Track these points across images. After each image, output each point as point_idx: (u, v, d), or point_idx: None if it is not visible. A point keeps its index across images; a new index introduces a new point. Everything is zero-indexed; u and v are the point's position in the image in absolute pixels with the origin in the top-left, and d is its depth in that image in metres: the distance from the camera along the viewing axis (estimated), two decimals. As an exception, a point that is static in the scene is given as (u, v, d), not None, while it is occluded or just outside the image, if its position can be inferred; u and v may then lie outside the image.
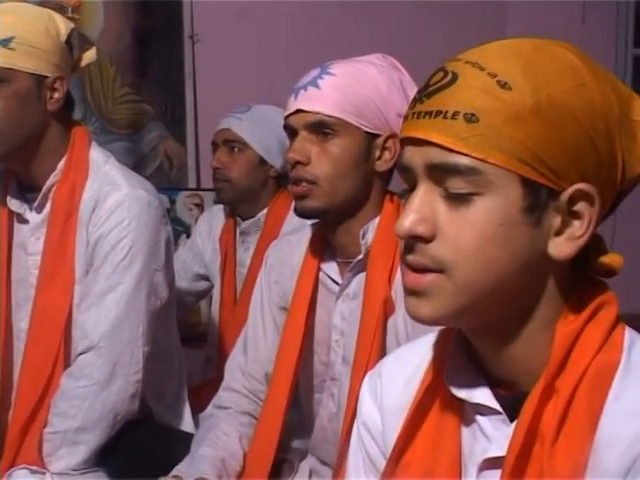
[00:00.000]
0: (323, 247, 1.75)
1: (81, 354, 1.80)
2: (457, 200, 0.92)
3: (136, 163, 3.56)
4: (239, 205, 2.60)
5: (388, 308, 1.64)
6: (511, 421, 0.99)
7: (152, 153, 3.67)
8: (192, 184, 3.72)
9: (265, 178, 2.56)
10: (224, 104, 3.75)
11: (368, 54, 1.73)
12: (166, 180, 3.65)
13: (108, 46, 3.56)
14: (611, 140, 0.94)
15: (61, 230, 1.83)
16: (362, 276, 1.69)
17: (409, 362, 1.14)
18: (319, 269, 1.75)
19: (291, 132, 1.68)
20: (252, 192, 2.55)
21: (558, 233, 0.93)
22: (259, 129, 2.54)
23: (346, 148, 1.64)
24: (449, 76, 0.93)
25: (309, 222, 2.40)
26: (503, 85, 0.90)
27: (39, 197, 1.86)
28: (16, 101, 1.79)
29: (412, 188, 0.96)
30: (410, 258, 0.95)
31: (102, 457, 1.83)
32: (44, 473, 1.77)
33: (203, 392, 2.30)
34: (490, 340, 1.00)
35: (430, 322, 0.98)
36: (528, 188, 0.91)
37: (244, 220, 2.60)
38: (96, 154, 1.92)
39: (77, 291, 1.83)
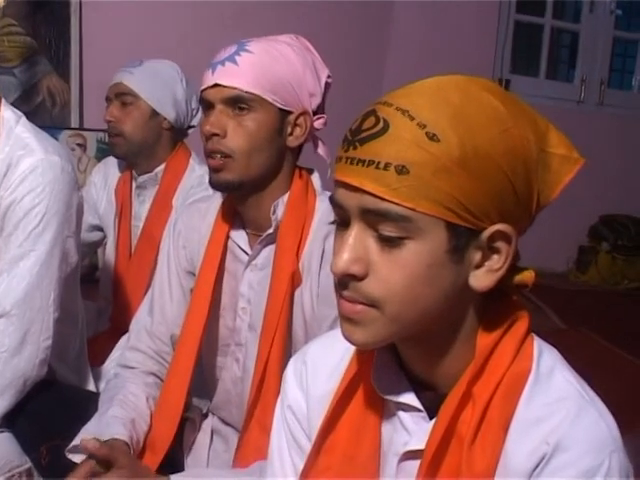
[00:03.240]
0: (233, 217, 1.80)
1: None
2: (388, 242, 0.99)
3: (18, 99, 3.48)
4: (134, 159, 2.59)
5: (295, 280, 1.71)
6: (430, 418, 1.09)
7: (34, 89, 3.59)
8: (75, 124, 3.67)
9: (159, 131, 2.57)
10: (110, 42, 3.73)
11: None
12: (48, 118, 3.59)
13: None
14: (529, 179, 1.02)
15: None
16: (271, 248, 1.75)
17: (334, 351, 1.21)
18: (228, 237, 1.80)
19: (207, 105, 1.71)
20: (146, 145, 2.56)
21: (478, 266, 1.02)
22: (151, 82, 2.54)
23: (261, 123, 1.69)
24: (380, 124, 0.99)
25: (205, 180, 2.45)
26: (432, 137, 0.96)
27: None
28: None
29: (344, 223, 1.03)
30: (345, 294, 1.02)
31: (8, 419, 1.84)
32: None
33: (97, 344, 2.34)
34: (415, 349, 1.09)
35: (364, 346, 1.08)
36: (452, 231, 0.98)
37: (140, 174, 2.61)
38: (7, 113, 1.88)
39: None
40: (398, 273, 0.99)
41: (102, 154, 3.63)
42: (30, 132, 1.88)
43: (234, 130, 1.68)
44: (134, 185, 2.63)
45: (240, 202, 1.76)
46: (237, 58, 1.67)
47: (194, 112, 2.64)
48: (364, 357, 1.15)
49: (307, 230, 1.74)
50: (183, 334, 1.81)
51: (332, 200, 1.04)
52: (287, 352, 1.72)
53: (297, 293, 1.73)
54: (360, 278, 1.00)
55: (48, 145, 1.87)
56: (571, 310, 4.20)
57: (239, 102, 1.67)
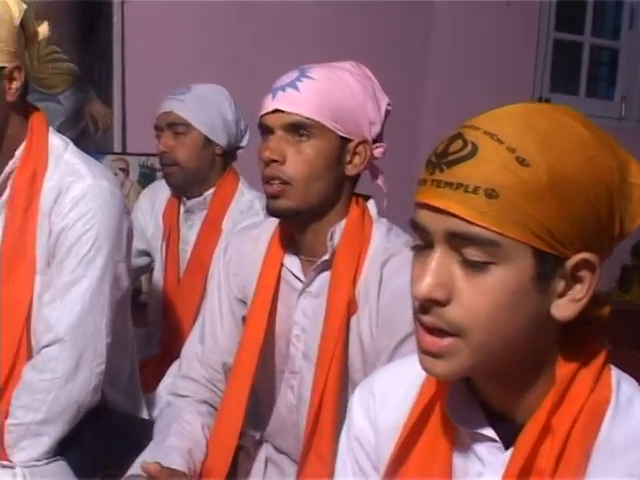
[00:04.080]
0: (286, 243, 1.79)
1: (45, 347, 1.79)
2: (473, 267, 0.97)
3: (62, 125, 3.50)
4: (188, 186, 2.60)
5: (352, 308, 1.69)
6: (505, 449, 1.07)
7: (78, 115, 3.62)
8: (118, 148, 3.69)
9: (212, 157, 2.57)
10: (152, 67, 3.75)
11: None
12: (92, 143, 3.61)
13: (35, 3, 3.47)
14: (611, 207, 1.00)
15: (21, 219, 1.81)
16: (326, 275, 1.73)
17: (402, 381, 1.20)
18: (282, 265, 1.79)
19: (266, 130, 1.71)
20: (201, 173, 2.56)
21: (561, 295, 1.00)
22: (202, 109, 2.54)
23: (321, 150, 1.68)
24: (469, 147, 0.98)
25: (257, 206, 2.45)
26: (522, 162, 0.95)
27: None
28: None
29: (426, 246, 1.01)
30: (426, 319, 1.00)
31: (61, 446, 1.84)
32: (14, 468, 1.77)
33: (146, 369, 2.34)
34: (492, 381, 1.07)
35: (445, 379, 1.06)
36: (539, 258, 0.97)
37: (190, 199, 2.61)
38: (56, 140, 1.89)
39: (38, 282, 1.82)
40: (483, 299, 0.97)
41: (144, 178, 3.64)
42: (78, 158, 1.88)
43: (293, 157, 1.67)
44: (182, 209, 2.64)
45: (296, 229, 1.76)
46: (298, 84, 1.67)
47: (243, 133, 2.63)
48: (436, 387, 1.13)
49: (363, 257, 1.72)
50: (237, 363, 1.80)
51: (414, 223, 1.02)
52: (344, 382, 1.71)
53: (353, 321, 1.71)
54: (443, 304, 0.99)
55: (97, 170, 1.88)
56: (614, 329, 4.15)
57: (299, 128, 1.66)
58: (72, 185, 1.82)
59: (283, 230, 1.80)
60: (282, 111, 1.67)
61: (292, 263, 1.78)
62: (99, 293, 1.82)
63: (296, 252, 1.79)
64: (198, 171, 2.56)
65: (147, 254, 2.70)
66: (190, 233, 2.60)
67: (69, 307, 1.79)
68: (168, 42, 3.79)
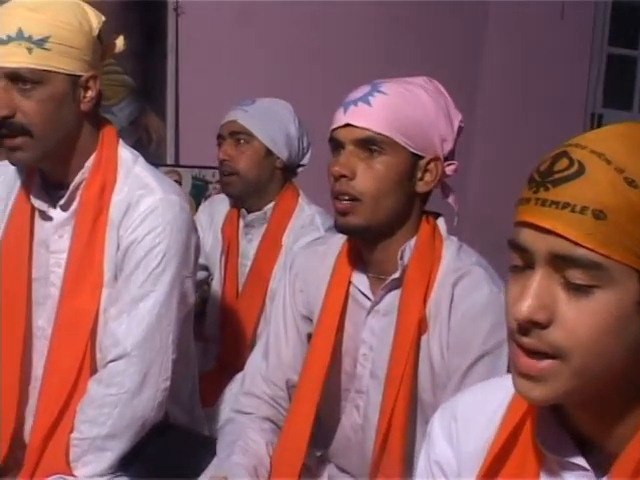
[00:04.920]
0: (355, 260, 1.77)
1: (112, 361, 1.78)
2: (576, 290, 0.95)
3: (116, 136, 3.50)
4: (246, 198, 2.59)
5: (422, 327, 1.67)
6: (597, 478, 1.04)
7: (131, 126, 3.62)
8: (170, 160, 3.69)
9: (272, 170, 2.57)
10: (206, 79, 3.75)
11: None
12: (145, 155, 3.58)
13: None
14: None
15: (89, 230, 1.80)
16: (395, 294, 1.72)
17: (487, 405, 1.18)
18: (349, 282, 1.77)
19: (337, 145, 1.69)
20: (260, 184, 2.56)
21: None
22: (265, 121, 2.54)
23: (391, 166, 1.66)
24: (575, 166, 0.95)
25: (318, 221, 2.44)
26: (630, 183, 0.93)
27: (66, 195, 1.82)
28: (52, 103, 1.73)
29: (524, 267, 0.99)
30: (525, 341, 0.97)
31: (124, 462, 1.82)
32: (76, 483, 1.76)
33: (204, 384, 2.32)
34: (586, 408, 1.03)
35: (542, 403, 1.02)
36: None
37: (250, 212, 2.60)
38: (125, 153, 1.88)
39: (104, 295, 1.81)
40: (585, 323, 0.94)
41: (197, 191, 3.64)
42: (148, 171, 1.88)
43: (364, 172, 1.65)
44: (242, 223, 2.63)
45: (365, 246, 1.74)
46: (370, 99, 1.65)
47: (305, 150, 2.63)
48: (523, 412, 1.10)
49: (434, 276, 1.70)
50: (303, 380, 1.78)
51: (514, 243, 0.99)
52: (413, 402, 1.69)
53: (423, 341, 1.68)
54: (544, 326, 0.96)
55: (166, 184, 1.87)
56: None
57: (370, 144, 1.65)
58: (142, 199, 1.81)
59: (351, 247, 1.78)
60: (353, 126, 1.65)
61: (360, 281, 1.77)
62: (167, 309, 1.80)
63: (364, 269, 1.77)
64: (257, 182, 2.55)
65: (205, 268, 2.69)
66: (249, 247, 2.59)
67: (137, 322, 1.78)
68: (222, 55, 3.78)
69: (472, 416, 1.19)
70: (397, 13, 4.19)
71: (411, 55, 4.20)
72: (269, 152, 2.55)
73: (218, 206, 2.71)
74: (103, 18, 1.84)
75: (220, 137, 2.59)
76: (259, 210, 2.59)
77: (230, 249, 2.59)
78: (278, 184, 2.59)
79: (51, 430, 1.78)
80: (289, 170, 2.62)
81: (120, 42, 1.92)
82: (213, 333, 2.60)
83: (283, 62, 3.91)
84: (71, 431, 1.78)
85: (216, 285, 2.64)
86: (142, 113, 3.64)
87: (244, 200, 2.61)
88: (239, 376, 2.28)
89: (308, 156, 2.64)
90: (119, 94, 3.58)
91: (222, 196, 2.71)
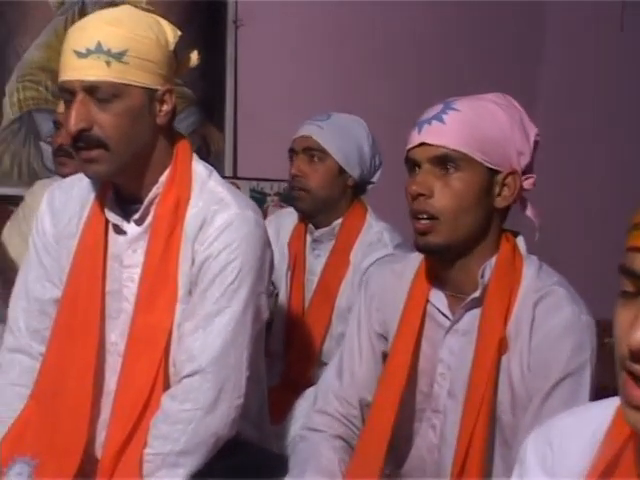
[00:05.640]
0: (432, 279, 1.76)
1: (186, 377, 1.76)
2: None
3: (175, 148, 3.51)
4: (316, 214, 2.58)
5: (502, 347, 1.65)
6: None
7: (190, 138, 3.61)
8: (229, 172, 3.69)
9: (343, 188, 2.56)
10: (264, 91, 3.76)
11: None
12: (203, 167, 3.61)
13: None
14: None
15: (164, 245, 1.79)
16: (475, 313, 1.70)
17: (583, 431, 1.15)
18: (427, 300, 1.75)
19: (413, 164, 1.69)
20: (330, 201, 2.55)
21: None
22: (340, 139, 2.53)
23: (469, 183, 1.65)
24: None
25: (386, 237, 2.42)
26: None
27: (141, 209, 1.82)
28: (128, 117, 1.73)
29: (637, 293, 0.96)
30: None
31: (195, 479, 1.81)
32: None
33: (269, 400, 2.30)
34: None
35: None
36: None
37: (317, 228, 2.59)
38: (199, 168, 1.87)
39: (179, 310, 1.79)
40: None
41: (255, 203, 3.64)
42: (223, 186, 1.87)
43: (441, 190, 1.65)
44: (309, 239, 2.62)
45: (444, 265, 1.72)
46: (444, 116, 1.65)
47: (376, 168, 2.61)
48: (625, 439, 1.07)
49: (515, 295, 1.68)
50: (379, 400, 1.77)
51: (627, 268, 0.96)
52: (492, 423, 1.66)
53: (503, 361, 1.66)
54: None
55: (241, 199, 1.87)
56: None
57: (446, 161, 1.64)
58: (217, 214, 1.80)
59: (428, 265, 1.77)
60: (428, 144, 1.65)
61: (438, 299, 1.75)
62: (241, 325, 1.79)
63: (442, 288, 1.75)
64: (328, 200, 2.54)
65: (271, 283, 2.68)
66: (316, 263, 2.58)
67: (212, 338, 1.77)
68: (281, 67, 3.78)
69: (568, 442, 1.16)
70: (455, 30, 4.17)
71: (467, 69, 4.18)
72: (342, 170, 2.54)
73: (285, 220, 2.69)
74: (179, 32, 1.84)
75: (293, 151, 2.57)
76: (327, 226, 2.58)
77: (297, 264, 2.58)
78: (347, 201, 2.58)
79: (124, 445, 1.77)
80: (359, 187, 2.60)
81: (194, 56, 1.91)
82: (278, 349, 2.58)
83: (343, 74, 3.91)
84: (144, 446, 1.77)
85: (282, 300, 2.63)
86: (201, 125, 3.65)
87: (313, 216, 2.60)
88: (308, 392, 2.28)
89: (378, 174, 2.62)
90: (178, 106, 3.56)
91: (289, 210, 2.70)
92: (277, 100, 3.77)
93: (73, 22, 3.43)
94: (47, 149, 3.44)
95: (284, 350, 2.54)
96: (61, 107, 2.76)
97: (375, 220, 2.56)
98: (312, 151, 2.53)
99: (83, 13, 3.51)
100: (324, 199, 2.54)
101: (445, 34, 4.16)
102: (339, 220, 2.56)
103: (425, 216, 1.65)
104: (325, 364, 2.45)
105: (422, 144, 1.65)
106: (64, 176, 2.71)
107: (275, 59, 3.76)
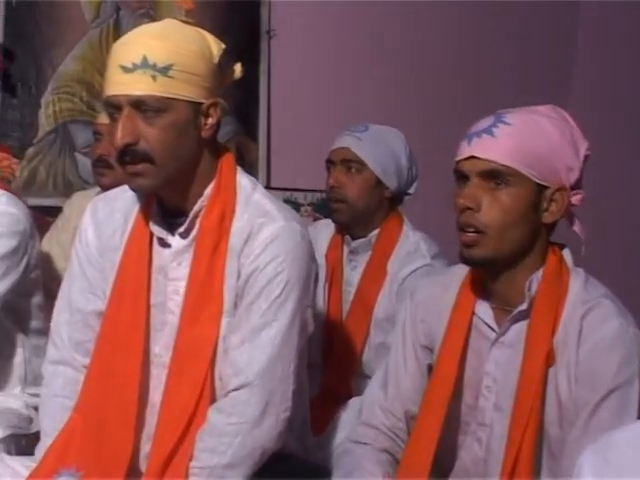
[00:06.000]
0: (478, 291, 1.76)
1: (233, 390, 1.77)
2: None
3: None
4: (353, 225, 2.58)
5: (550, 359, 1.65)
6: None
7: (224, 149, 3.64)
8: (262, 182, 3.68)
9: (380, 199, 2.56)
10: (298, 101, 3.76)
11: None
12: (237, 177, 3.62)
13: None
14: None
15: (209, 258, 1.80)
16: (521, 325, 1.70)
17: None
18: (473, 313, 1.75)
19: (461, 177, 1.69)
20: (367, 213, 2.55)
21: None
22: (377, 150, 2.53)
23: (517, 198, 1.65)
24: None
25: (423, 247, 2.42)
26: None
27: (186, 222, 1.82)
28: (174, 131, 1.74)
29: None
30: None
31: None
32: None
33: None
34: None
35: None
36: None
37: (354, 239, 2.59)
38: (244, 180, 1.88)
39: (224, 323, 1.80)
40: None
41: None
42: (268, 199, 1.87)
43: (489, 205, 1.65)
44: (346, 250, 2.62)
45: (490, 277, 1.72)
46: (495, 130, 1.65)
47: (413, 179, 2.62)
48: None
49: (562, 307, 1.68)
50: (424, 412, 1.77)
51: None
52: (540, 436, 1.65)
53: (550, 373, 1.66)
54: None
55: (287, 212, 1.87)
56: None
57: (495, 176, 1.64)
58: (263, 227, 1.80)
59: (474, 277, 1.77)
60: (478, 158, 1.65)
61: (484, 312, 1.75)
62: (288, 338, 1.79)
63: (488, 300, 1.76)
64: (365, 211, 2.54)
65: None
66: (354, 274, 2.58)
67: (259, 351, 1.77)
68: (315, 78, 3.79)
69: (625, 459, 1.16)
70: (487, 38, 4.17)
71: (499, 76, 4.17)
72: (379, 182, 2.54)
73: (321, 231, 2.69)
74: (223, 45, 1.84)
75: (330, 162, 2.58)
76: (364, 237, 2.58)
77: (334, 275, 2.58)
78: (384, 212, 2.58)
79: (170, 458, 1.78)
80: (396, 199, 2.61)
81: (238, 69, 1.92)
82: (317, 360, 2.57)
83: (376, 85, 3.91)
84: (190, 459, 1.77)
85: (319, 312, 2.61)
86: (235, 135, 3.66)
87: (350, 227, 2.60)
88: (351, 402, 2.29)
89: (415, 185, 2.62)
90: (211, 116, 3.60)
91: (326, 221, 2.71)
92: (310, 110, 3.77)
93: (108, 35, 3.54)
94: (82, 160, 3.47)
95: (323, 361, 2.54)
96: (101, 118, 2.78)
97: (412, 230, 2.56)
98: (350, 162, 2.53)
99: (118, 26, 3.55)
100: (361, 210, 2.54)
101: (476, 43, 4.15)
102: (376, 231, 2.56)
103: (472, 229, 1.65)
104: (364, 375, 2.46)
105: (471, 157, 1.65)
106: (103, 186, 2.75)
107: (308, 69, 3.77)
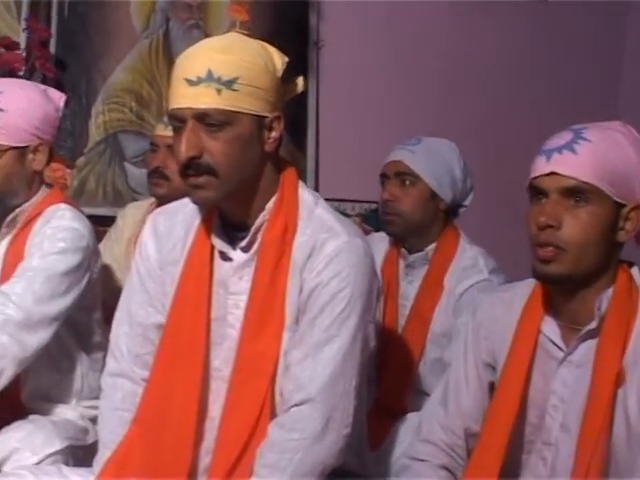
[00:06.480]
0: (544, 309, 1.73)
1: (295, 406, 1.76)
2: None
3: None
4: (408, 239, 2.57)
5: (619, 379, 1.63)
6: None
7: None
8: (310, 192, 3.69)
9: (435, 211, 2.54)
10: (346, 112, 3.76)
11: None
12: (284, 187, 3.61)
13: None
14: None
15: (271, 273, 1.79)
16: (590, 344, 1.68)
17: None
18: (538, 331, 1.73)
19: (538, 193, 1.67)
20: (422, 226, 2.53)
21: None
22: (431, 162, 2.51)
23: (597, 216, 1.63)
24: None
25: (481, 262, 2.39)
26: None
27: (248, 237, 1.82)
28: (238, 144, 1.73)
29: None
30: None
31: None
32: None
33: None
34: None
35: None
36: None
37: (410, 253, 2.58)
38: (306, 195, 1.87)
39: (285, 338, 1.79)
40: None
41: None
42: (330, 214, 1.86)
43: (569, 222, 1.63)
44: (402, 264, 2.60)
45: (561, 295, 1.70)
46: (575, 146, 1.63)
47: (468, 192, 2.59)
48: None
49: (631, 326, 1.66)
50: (487, 431, 1.75)
51: None
52: (608, 457, 1.63)
53: (619, 393, 1.64)
54: None
55: (349, 227, 1.86)
56: None
57: (576, 193, 1.62)
58: (327, 242, 1.79)
59: (542, 294, 1.75)
60: (558, 174, 1.63)
61: (551, 330, 1.73)
62: (350, 354, 1.78)
63: (555, 318, 1.73)
64: (420, 224, 2.53)
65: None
66: (410, 288, 2.56)
67: (321, 367, 1.76)
68: (363, 88, 3.78)
69: None
70: (538, 57, 4.17)
71: (546, 89, 4.15)
72: (434, 194, 2.52)
73: (376, 245, 2.66)
74: (286, 59, 1.83)
75: (384, 176, 2.56)
76: (420, 251, 2.56)
77: (390, 289, 2.56)
78: (440, 225, 2.56)
79: (230, 472, 1.77)
80: (451, 211, 2.59)
81: (300, 83, 1.91)
82: (372, 374, 2.56)
83: (425, 96, 3.89)
84: (250, 474, 1.76)
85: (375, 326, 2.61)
86: (283, 145, 3.63)
87: (405, 240, 2.58)
88: (409, 417, 2.26)
89: (470, 197, 2.60)
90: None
91: (380, 234, 2.69)
92: (359, 121, 3.77)
93: (158, 45, 3.56)
94: (131, 170, 3.49)
95: (377, 375, 2.52)
96: (158, 130, 2.79)
97: (469, 244, 2.54)
98: (404, 176, 2.51)
99: (167, 37, 3.57)
100: (416, 223, 2.52)
101: (528, 59, 4.14)
102: (432, 245, 2.54)
103: (551, 247, 1.63)
104: (419, 390, 2.44)
105: (551, 173, 1.64)
106: (158, 197, 2.75)
107: (357, 80, 3.76)
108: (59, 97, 2.36)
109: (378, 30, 3.83)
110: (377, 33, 3.83)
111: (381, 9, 3.82)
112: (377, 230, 3.53)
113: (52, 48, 3.34)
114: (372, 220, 3.68)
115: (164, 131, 2.72)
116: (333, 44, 3.72)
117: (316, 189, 3.73)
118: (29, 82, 2.40)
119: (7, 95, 2.21)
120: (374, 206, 3.69)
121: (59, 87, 3.31)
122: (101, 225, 3.16)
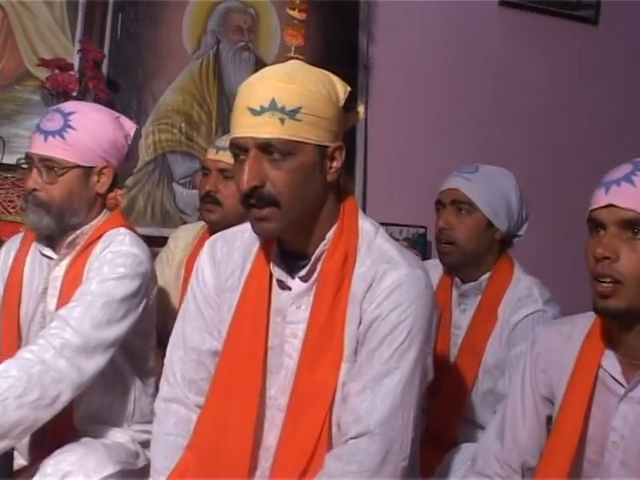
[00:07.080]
0: (605, 343, 1.72)
1: (353, 438, 1.74)
2: None
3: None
4: (463, 267, 2.55)
5: (684, 420, 1.61)
6: None
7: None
8: (357, 215, 3.69)
9: (490, 241, 2.52)
10: (395, 135, 3.75)
11: None
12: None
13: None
14: None
15: (330, 303, 1.78)
16: None
17: None
18: (599, 365, 1.71)
19: (596, 225, 1.66)
20: (477, 255, 2.52)
21: None
22: (488, 191, 2.49)
23: None
24: None
25: (535, 292, 2.37)
26: None
27: (307, 266, 1.81)
28: (301, 174, 1.73)
29: None
30: None
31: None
32: None
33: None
34: None
35: None
36: None
37: (464, 282, 2.56)
38: (366, 225, 1.87)
39: (344, 369, 1.78)
40: None
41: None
42: (390, 244, 1.86)
43: (627, 255, 1.62)
44: (455, 293, 2.59)
45: (621, 329, 1.69)
46: (634, 178, 1.63)
47: (524, 221, 2.57)
48: None
49: None
50: (545, 467, 1.75)
51: None
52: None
53: (682, 433, 1.61)
54: None
55: (410, 258, 1.85)
56: None
57: (635, 225, 1.62)
58: (387, 273, 1.78)
59: (601, 329, 1.73)
60: (616, 206, 1.62)
61: (611, 365, 1.71)
62: (410, 386, 1.77)
63: (615, 352, 1.72)
64: (475, 253, 2.51)
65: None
66: (463, 317, 2.54)
67: (380, 399, 1.75)
68: (413, 111, 3.78)
69: None
70: (594, 89, 4.17)
71: (605, 130, 4.14)
72: (490, 224, 2.50)
73: (429, 272, 2.64)
74: (349, 88, 1.83)
75: (440, 203, 2.55)
76: (473, 280, 2.54)
77: (443, 318, 2.52)
78: (494, 254, 2.54)
79: None
80: (506, 241, 2.57)
81: (361, 111, 1.91)
82: (423, 403, 2.54)
83: (475, 122, 3.88)
84: None
85: (425, 355, 2.59)
86: (331, 168, 3.66)
87: (460, 269, 2.57)
88: (465, 447, 2.23)
89: (525, 227, 2.58)
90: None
91: (434, 261, 2.67)
92: (408, 144, 3.76)
93: (208, 67, 3.58)
94: (180, 190, 3.50)
95: (428, 405, 2.50)
96: (210, 154, 2.80)
97: (523, 274, 2.51)
98: (460, 204, 2.50)
99: (218, 58, 3.59)
100: (471, 252, 2.50)
101: (584, 89, 4.13)
102: (486, 275, 2.52)
103: (609, 280, 1.62)
104: (470, 421, 2.42)
105: (609, 205, 1.63)
106: (210, 223, 2.76)
107: (406, 104, 3.76)
108: (130, 127, 2.38)
109: (428, 52, 3.82)
110: (427, 55, 3.82)
111: (431, 32, 3.83)
112: (423, 254, 3.53)
113: (104, 69, 3.36)
114: (419, 244, 3.67)
115: (215, 155, 2.73)
116: (383, 67, 3.72)
117: (363, 212, 3.72)
118: (105, 107, 2.42)
119: (80, 115, 2.24)
120: (421, 230, 3.68)
121: (110, 107, 3.37)
122: (149, 245, 3.18)
